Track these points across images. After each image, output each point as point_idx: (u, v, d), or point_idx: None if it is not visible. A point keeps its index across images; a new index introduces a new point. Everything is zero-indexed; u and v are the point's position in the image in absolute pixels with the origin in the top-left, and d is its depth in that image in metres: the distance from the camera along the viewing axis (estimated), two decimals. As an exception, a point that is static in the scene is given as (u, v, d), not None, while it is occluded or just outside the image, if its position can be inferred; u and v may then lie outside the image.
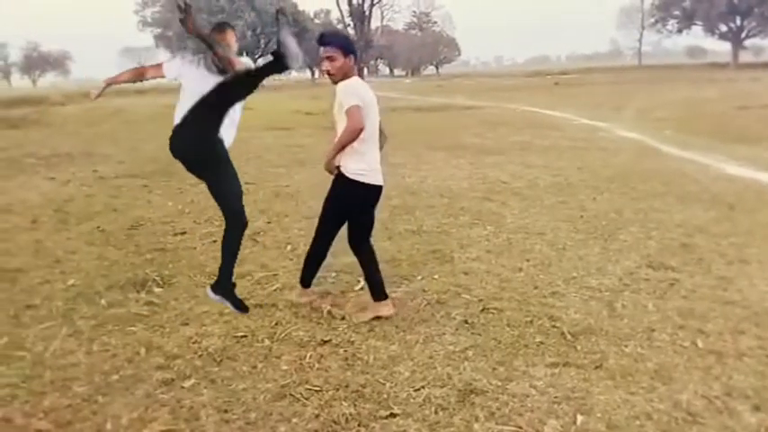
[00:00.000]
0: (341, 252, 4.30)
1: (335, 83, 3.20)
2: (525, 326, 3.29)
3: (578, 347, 3.03)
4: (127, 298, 3.77)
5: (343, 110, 3.09)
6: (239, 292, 3.87)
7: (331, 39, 3.23)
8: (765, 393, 2.57)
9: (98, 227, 5.47)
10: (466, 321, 3.36)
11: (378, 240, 4.80)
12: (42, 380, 2.79)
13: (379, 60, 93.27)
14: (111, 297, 3.79)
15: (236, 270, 4.28)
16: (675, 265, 4.21)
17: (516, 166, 8.48)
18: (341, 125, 3.17)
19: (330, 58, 3.14)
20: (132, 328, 3.34)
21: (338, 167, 3.27)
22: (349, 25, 44.28)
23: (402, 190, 6.79)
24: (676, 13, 62.26)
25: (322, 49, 3.16)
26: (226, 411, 2.52)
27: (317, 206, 6.05)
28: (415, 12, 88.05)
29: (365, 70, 49.59)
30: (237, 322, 3.40)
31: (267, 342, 3.15)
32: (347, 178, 3.24)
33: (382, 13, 55.69)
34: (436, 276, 4.10)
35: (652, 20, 66.40)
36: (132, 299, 3.76)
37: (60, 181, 7.73)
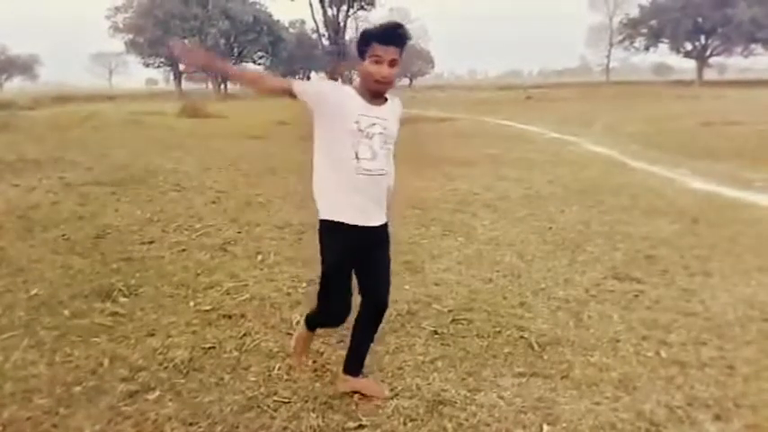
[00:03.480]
0: (311, 261, 4.29)
1: (381, 94, 2.37)
2: (494, 336, 3.32)
3: (545, 357, 3.07)
4: (91, 308, 3.69)
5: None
6: (208, 302, 3.83)
7: (406, 35, 2.30)
8: (726, 403, 2.64)
9: (63, 235, 5.35)
10: (436, 332, 3.38)
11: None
12: (2, 392, 2.71)
13: (353, 71, 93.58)
14: (75, 307, 3.70)
15: (205, 280, 4.25)
16: (640, 276, 4.30)
17: (488, 178, 8.58)
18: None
19: (393, 63, 2.28)
20: (96, 339, 3.26)
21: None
22: (324, 35, 44.29)
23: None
24: (644, 31, 63.92)
25: (388, 48, 2.25)
26: (191, 424, 2.48)
27: (288, 216, 6.06)
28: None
29: (339, 80, 49.62)
30: (205, 333, 3.35)
31: (235, 353, 3.11)
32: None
33: (357, 24, 55.88)
34: (407, 287, 4.11)
35: (620, 37, 68.04)
36: (97, 309, 3.68)
37: (26, 187, 7.54)
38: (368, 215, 2.41)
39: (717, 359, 3.05)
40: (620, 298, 3.91)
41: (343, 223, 2.38)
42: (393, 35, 2.26)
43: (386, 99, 2.41)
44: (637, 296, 3.94)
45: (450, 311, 3.67)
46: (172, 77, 69.66)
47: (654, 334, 3.34)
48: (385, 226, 2.51)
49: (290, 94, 2.35)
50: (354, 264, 2.52)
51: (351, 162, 2.31)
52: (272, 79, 2.46)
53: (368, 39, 2.28)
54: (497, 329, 3.40)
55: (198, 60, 2.34)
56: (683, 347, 3.18)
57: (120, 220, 5.91)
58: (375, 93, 2.34)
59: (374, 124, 2.32)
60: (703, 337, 3.31)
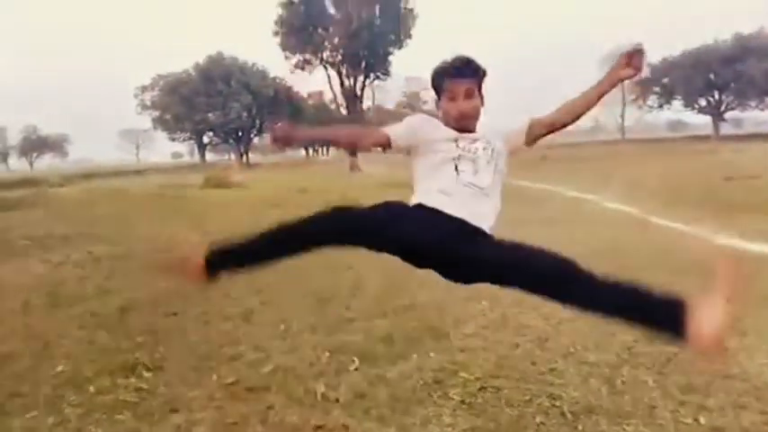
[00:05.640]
0: (334, 329, 4.28)
1: (467, 129, 2.33)
2: (525, 405, 3.22)
3: (579, 427, 2.96)
4: (115, 384, 3.68)
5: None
6: (229, 374, 3.79)
7: (477, 68, 2.30)
8: (773, 472, 2.50)
9: (89, 310, 5.41)
10: (463, 401, 3.29)
11: (371, 317, 4.78)
12: (25, 474, 2.68)
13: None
14: (100, 383, 3.69)
15: (227, 352, 4.22)
16: (672, 338, 4.17)
17: (507, 237, 8.52)
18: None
19: (470, 94, 2.28)
20: (120, 416, 3.24)
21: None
22: (342, 105, 45.71)
23: (394, 262, 6.79)
24: (656, 89, 64.78)
25: (461, 81, 2.25)
26: (215, 504, 2.41)
27: (307, 282, 6.07)
28: (405, 92, 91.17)
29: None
30: (229, 408, 3.31)
31: (259, 428, 3.06)
32: None
33: (374, 93, 57.65)
34: (432, 354, 4.04)
35: (633, 96, 68.92)
36: (121, 385, 3.67)
37: (54, 263, 7.70)
38: None
39: (759, 424, 2.91)
40: (653, 361, 3.78)
41: None
42: (463, 67, 2.29)
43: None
44: (670, 359, 3.81)
45: (477, 379, 3.58)
46: (196, 150, 71.90)
47: (691, 399, 3.21)
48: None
49: (387, 145, 2.35)
50: None
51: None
52: (370, 134, 2.34)
53: (439, 76, 2.30)
54: (528, 398, 3.30)
55: (289, 138, 2.34)
56: (723, 412, 3.05)
57: (144, 293, 5.97)
58: (460, 128, 2.35)
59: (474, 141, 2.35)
60: (743, 400, 3.17)
